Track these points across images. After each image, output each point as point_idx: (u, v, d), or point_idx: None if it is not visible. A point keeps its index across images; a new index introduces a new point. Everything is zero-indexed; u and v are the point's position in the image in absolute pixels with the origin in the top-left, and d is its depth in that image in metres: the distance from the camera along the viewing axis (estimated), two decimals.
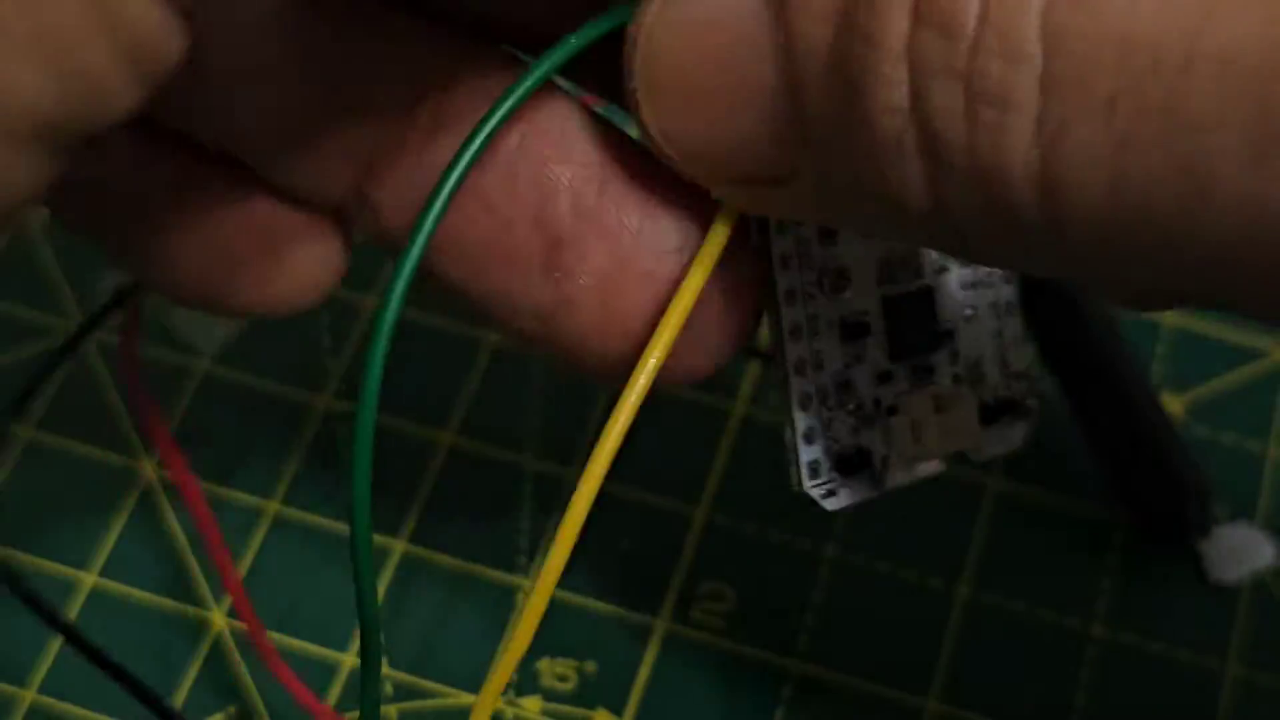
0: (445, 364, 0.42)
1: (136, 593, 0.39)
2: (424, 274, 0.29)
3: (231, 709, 0.37)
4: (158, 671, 0.37)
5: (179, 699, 0.37)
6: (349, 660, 0.38)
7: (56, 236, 0.43)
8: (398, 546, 0.39)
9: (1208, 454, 0.41)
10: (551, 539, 0.40)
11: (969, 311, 0.32)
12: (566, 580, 0.39)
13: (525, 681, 0.38)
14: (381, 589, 0.39)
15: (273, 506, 0.40)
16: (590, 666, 0.38)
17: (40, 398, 0.41)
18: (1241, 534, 0.40)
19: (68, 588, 0.38)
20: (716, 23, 0.28)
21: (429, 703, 0.38)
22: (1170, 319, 0.43)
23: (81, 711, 0.37)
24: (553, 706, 0.38)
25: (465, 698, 0.38)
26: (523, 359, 0.42)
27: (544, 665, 0.38)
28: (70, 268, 0.43)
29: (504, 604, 0.39)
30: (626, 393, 0.29)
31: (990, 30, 0.25)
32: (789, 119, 0.28)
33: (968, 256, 0.28)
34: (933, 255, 0.32)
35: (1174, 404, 0.42)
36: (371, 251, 0.44)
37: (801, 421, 0.31)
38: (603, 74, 0.30)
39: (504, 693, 0.37)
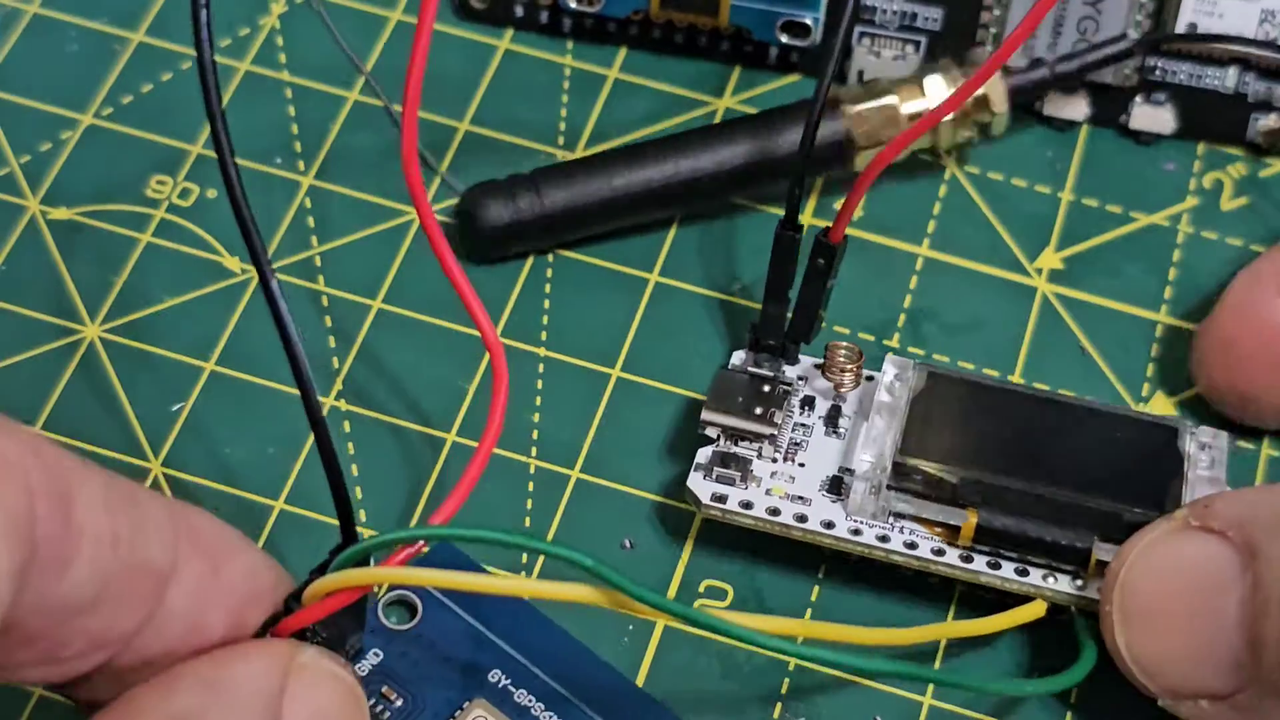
0: (450, 364, 0.42)
1: None
2: None
3: None
4: None
5: None
6: None
7: (68, 248, 0.44)
8: None
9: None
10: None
11: None
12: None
13: None
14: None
15: (278, 505, 0.40)
16: None
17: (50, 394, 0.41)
18: None
19: None
20: (1192, 566, 0.35)
21: None
22: (1164, 319, 0.44)
23: None
24: None
25: None
26: (527, 361, 0.42)
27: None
28: (80, 275, 0.43)
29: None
30: None
31: None
32: (1244, 653, 0.34)
33: None
34: None
35: (1167, 404, 0.42)
36: (376, 257, 0.44)
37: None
38: None
39: None
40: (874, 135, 0.44)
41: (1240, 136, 0.46)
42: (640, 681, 0.38)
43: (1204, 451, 0.39)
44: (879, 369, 0.40)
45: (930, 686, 0.38)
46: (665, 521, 0.40)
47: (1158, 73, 0.46)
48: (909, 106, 0.44)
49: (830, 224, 0.40)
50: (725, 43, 0.47)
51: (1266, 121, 0.46)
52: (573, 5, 0.46)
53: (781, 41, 0.46)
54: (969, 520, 0.38)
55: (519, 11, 0.47)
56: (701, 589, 0.40)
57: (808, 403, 0.40)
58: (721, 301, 0.44)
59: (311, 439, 0.41)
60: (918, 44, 0.46)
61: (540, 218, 0.43)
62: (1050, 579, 0.38)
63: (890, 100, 0.44)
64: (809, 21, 0.45)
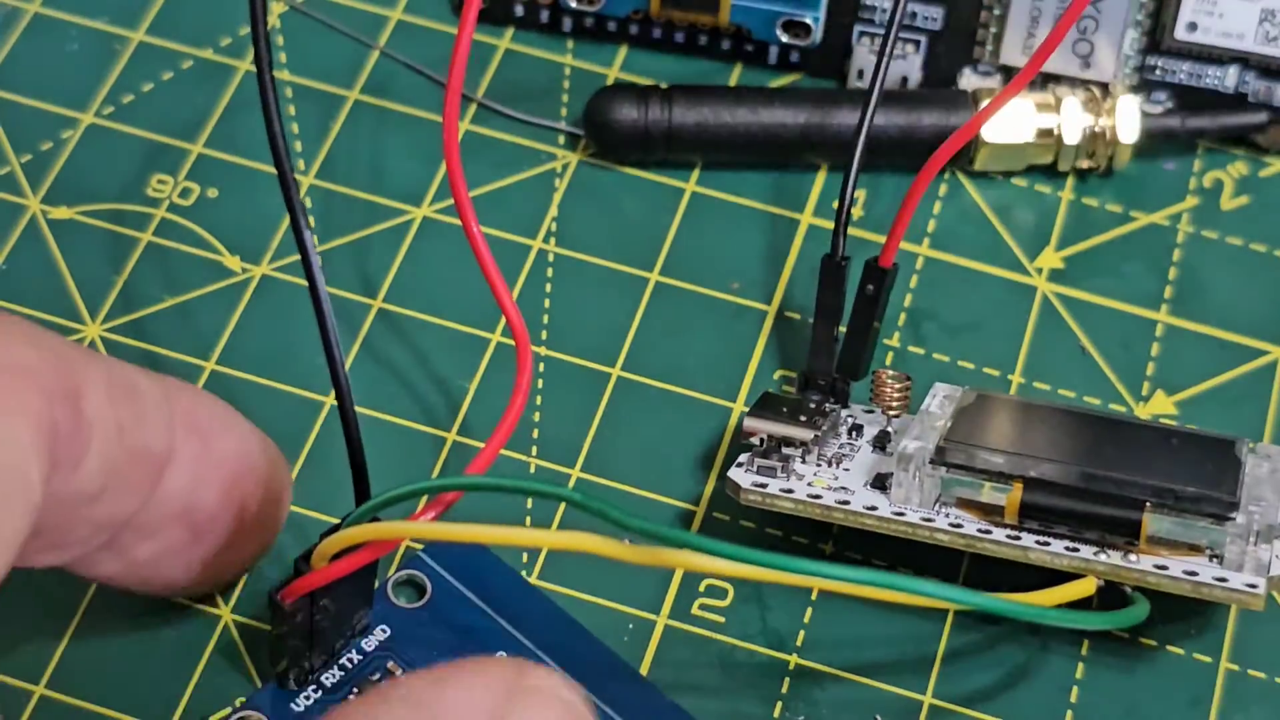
0: (450, 363, 0.42)
1: None
2: None
3: None
4: None
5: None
6: None
7: (68, 248, 0.44)
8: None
9: None
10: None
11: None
12: (570, 576, 0.39)
13: None
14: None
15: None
16: None
17: None
18: None
19: None
20: None
21: None
22: (1164, 318, 0.44)
23: None
24: None
25: None
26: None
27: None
28: (80, 275, 0.43)
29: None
30: None
31: None
32: None
33: None
34: None
35: (1167, 403, 0.43)
36: (376, 257, 0.44)
37: None
38: None
39: None
40: (999, 135, 0.45)
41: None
42: None
43: (1265, 460, 0.38)
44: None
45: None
46: (665, 521, 0.40)
47: (1158, 72, 0.46)
48: (1040, 119, 0.45)
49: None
50: (725, 42, 0.47)
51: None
52: (573, 5, 0.46)
53: (782, 41, 0.46)
54: (1013, 493, 0.37)
55: (519, 11, 0.47)
56: (702, 588, 0.40)
57: (856, 429, 0.40)
58: (721, 301, 0.44)
59: (312, 439, 0.41)
60: (918, 43, 0.46)
61: (666, 130, 0.45)
62: (1102, 554, 0.37)
63: (1024, 105, 0.45)
64: (809, 21, 0.45)
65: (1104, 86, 0.45)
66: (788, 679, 0.39)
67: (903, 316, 0.44)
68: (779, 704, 0.38)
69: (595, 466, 0.41)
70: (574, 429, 0.41)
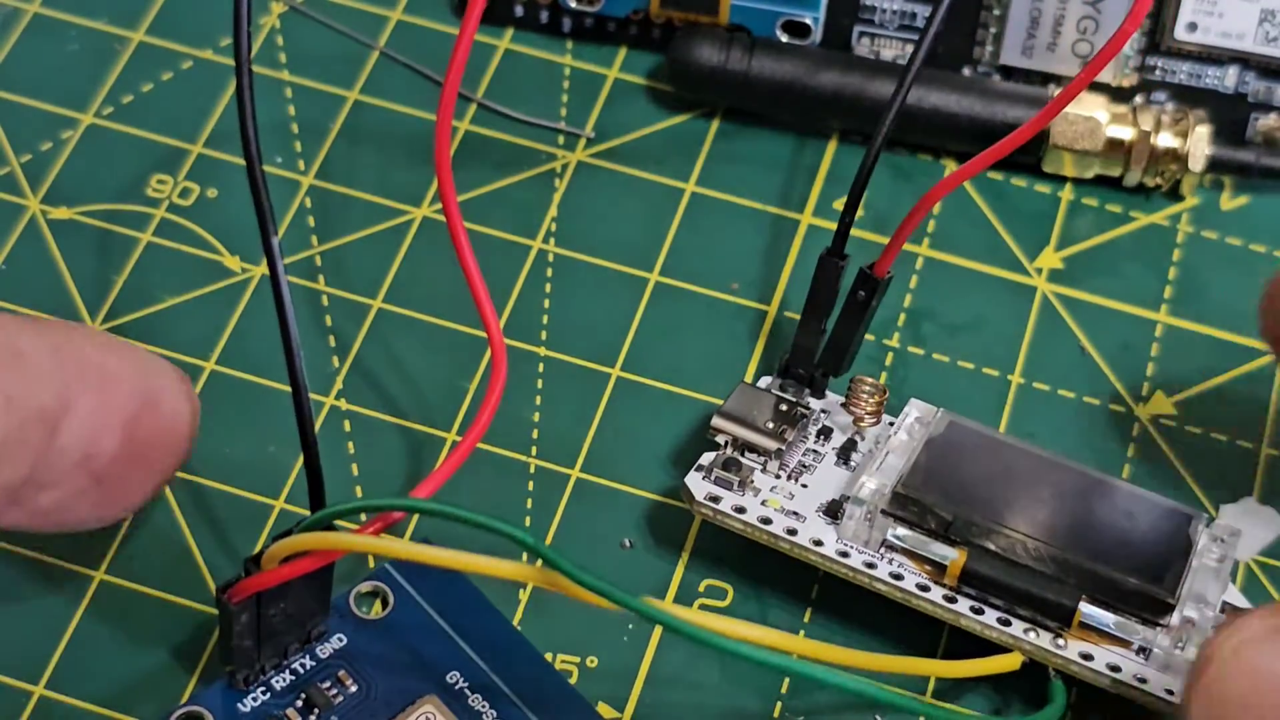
0: (450, 363, 0.42)
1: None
2: None
3: None
4: None
5: None
6: None
7: (68, 247, 0.44)
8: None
9: (1200, 450, 0.42)
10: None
11: None
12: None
13: None
14: None
15: (278, 504, 0.40)
16: (592, 661, 0.38)
17: None
18: (1247, 510, 0.40)
19: None
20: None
21: None
22: (1164, 318, 0.44)
23: None
24: None
25: None
26: (527, 361, 0.42)
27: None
28: (80, 275, 0.43)
29: (509, 601, 0.39)
30: None
31: None
32: None
33: None
34: None
35: (1166, 403, 0.43)
36: (376, 257, 0.44)
37: None
38: None
39: None
40: (1070, 141, 0.45)
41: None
42: (640, 681, 0.38)
43: (1215, 544, 0.38)
44: (876, 376, 0.40)
45: (930, 687, 0.38)
46: (666, 521, 0.40)
47: (1158, 72, 0.46)
48: (1113, 129, 0.45)
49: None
50: None
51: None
52: (573, 5, 0.46)
53: (782, 41, 0.46)
54: (957, 559, 0.37)
55: (519, 11, 0.47)
56: (702, 588, 0.40)
57: (825, 433, 0.40)
58: (721, 301, 0.44)
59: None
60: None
61: (743, 77, 0.45)
62: (1031, 633, 0.37)
63: (1099, 115, 0.44)
64: (809, 21, 0.46)
65: (1177, 109, 0.45)
66: (787, 680, 0.39)
67: (903, 317, 0.44)
68: (779, 704, 0.38)
69: (595, 466, 0.41)
70: (574, 429, 0.41)
